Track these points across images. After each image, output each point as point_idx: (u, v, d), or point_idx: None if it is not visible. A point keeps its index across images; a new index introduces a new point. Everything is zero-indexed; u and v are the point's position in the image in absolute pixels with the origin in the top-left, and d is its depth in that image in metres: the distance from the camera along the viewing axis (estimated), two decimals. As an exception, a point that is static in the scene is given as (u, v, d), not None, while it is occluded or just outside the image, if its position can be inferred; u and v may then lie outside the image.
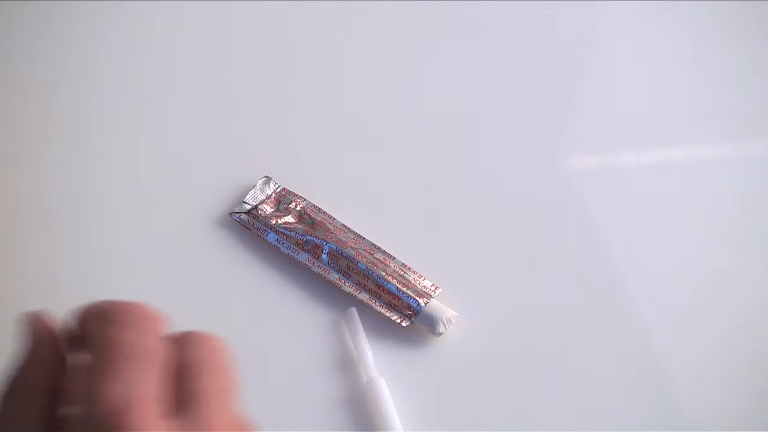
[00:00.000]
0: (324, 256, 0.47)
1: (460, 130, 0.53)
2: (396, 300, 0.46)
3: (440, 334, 0.46)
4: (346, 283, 0.47)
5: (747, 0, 0.57)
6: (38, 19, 0.57)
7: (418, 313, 0.46)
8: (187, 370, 0.33)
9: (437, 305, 0.46)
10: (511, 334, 0.46)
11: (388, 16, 0.57)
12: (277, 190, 0.50)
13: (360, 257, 0.47)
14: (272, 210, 0.49)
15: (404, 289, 0.46)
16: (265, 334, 0.46)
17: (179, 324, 0.46)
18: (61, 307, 0.45)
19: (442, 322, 0.46)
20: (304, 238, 0.48)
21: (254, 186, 0.50)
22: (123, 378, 0.31)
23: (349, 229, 0.49)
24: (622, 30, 0.58)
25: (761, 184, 0.51)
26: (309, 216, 0.49)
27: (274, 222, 0.49)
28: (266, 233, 0.48)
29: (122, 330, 0.33)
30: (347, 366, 0.44)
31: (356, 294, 0.47)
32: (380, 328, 0.46)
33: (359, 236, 0.49)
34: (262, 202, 0.49)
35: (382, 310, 0.46)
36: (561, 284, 0.48)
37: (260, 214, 0.49)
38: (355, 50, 0.56)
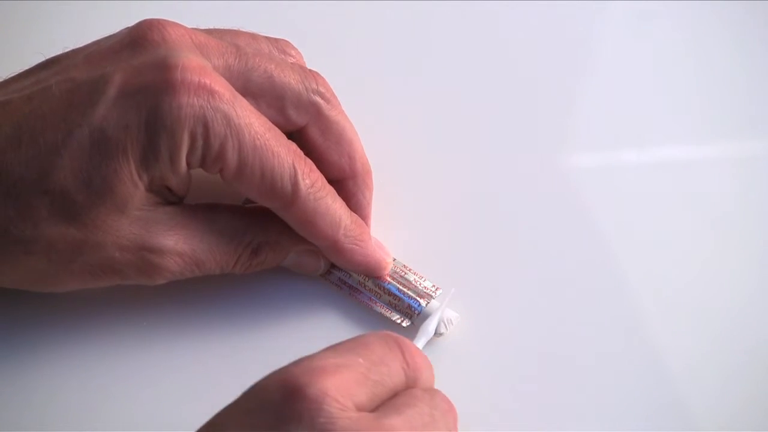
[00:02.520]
0: (324, 257, 0.47)
1: (460, 129, 0.53)
2: (396, 300, 0.46)
3: (441, 334, 0.46)
4: (346, 284, 0.47)
5: (747, 0, 0.57)
6: (33, 18, 0.57)
7: (419, 314, 0.46)
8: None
9: (438, 306, 0.46)
10: (511, 334, 0.46)
11: (386, 15, 0.57)
12: None
13: (360, 257, 0.47)
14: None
15: (405, 290, 0.46)
16: (265, 335, 0.46)
17: (179, 327, 0.46)
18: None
19: (443, 322, 0.46)
20: (305, 239, 0.48)
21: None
22: (336, 362, 0.36)
23: (349, 229, 0.49)
24: (623, 29, 0.58)
25: (761, 182, 0.51)
26: (309, 216, 0.49)
27: (274, 223, 0.49)
28: (266, 234, 0.48)
29: (376, 340, 0.38)
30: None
31: (356, 294, 0.47)
32: (380, 328, 0.46)
33: (360, 237, 0.49)
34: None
35: (383, 311, 0.46)
36: (561, 283, 0.48)
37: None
38: (353, 48, 0.56)
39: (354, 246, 0.45)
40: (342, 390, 0.35)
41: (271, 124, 0.42)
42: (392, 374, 0.37)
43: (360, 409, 0.36)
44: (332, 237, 0.44)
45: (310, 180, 0.43)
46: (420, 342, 0.44)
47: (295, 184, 0.42)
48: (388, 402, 0.37)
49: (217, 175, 0.42)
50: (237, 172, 0.42)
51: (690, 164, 0.52)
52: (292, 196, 0.42)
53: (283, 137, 0.43)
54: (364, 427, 0.35)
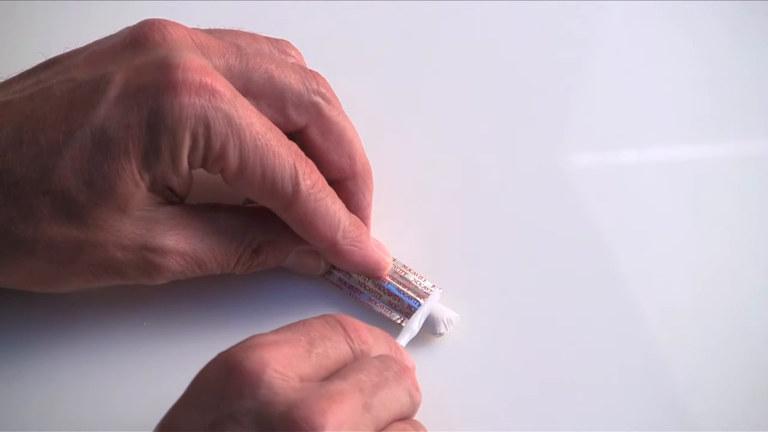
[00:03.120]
0: (324, 257, 0.47)
1: (460, 129, 0.53)
2: (396, 300, 0.46)
3: (441, 334, 0.46)
4: (346, 284, 0.47)
5: (747, 0, 0.57)
6: (33, 18, 0.57)
7: (419, 314, 0.46)
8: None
9: (437, 306, 0.46)
10: (511, 334, 0.46)
11: (386, 16, 0.58)
12: None
13: (360, 258, 0.47)
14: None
15: (405, 290, 0.46)
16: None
17: (179, 327, 0.46)
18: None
19: (443, 322, 0.46)
20: (305, 239, 0.48)
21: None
22: (281, 338, 0.36)
23: (349, 230, 0.49)
24: (623, 29, 0.58)
25: (762, 182, 0.51)
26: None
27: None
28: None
29: (315, 320, 0.38)
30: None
31: (356, 294, 0.47)
32: (380, 328, 0.46)
33: (359, 237, 0.49)
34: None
35: (382, 311, 0.46)
36: (561, 283, 0.48)
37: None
38: (353, 49, 0.56)
39: (352, 247, 0.45)
40: (283, 362, 0.36)
41: (272, 124, 0.42)
42: (336, 347, 0.38)
43: (305, 380, 0.36)
44: (331, 238, 0.44)
45: (311, 181, 0.43)
46: (403, 339, 0.45)
47: (296, 184, 0.42)
48: (335, 372, 0.37)
49: (218, 175, 0.42)
50: (238, 172, 0.42)
51: (690, 164, 0.52)
52: (292, 197, 0.42)
53: (284, 137, 0.43)
54: (308, 396, 0.35)
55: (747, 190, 0.51)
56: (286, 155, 0.42)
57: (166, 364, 0.45)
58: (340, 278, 0.47)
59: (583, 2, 0.58)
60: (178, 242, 0.42)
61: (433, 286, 0.47)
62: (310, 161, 0.43)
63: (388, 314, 0.46)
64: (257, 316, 0.46)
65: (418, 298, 0.46)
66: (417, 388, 0.39)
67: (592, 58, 0.57)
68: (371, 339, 0.39)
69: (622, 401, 0.45)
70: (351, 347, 0.39)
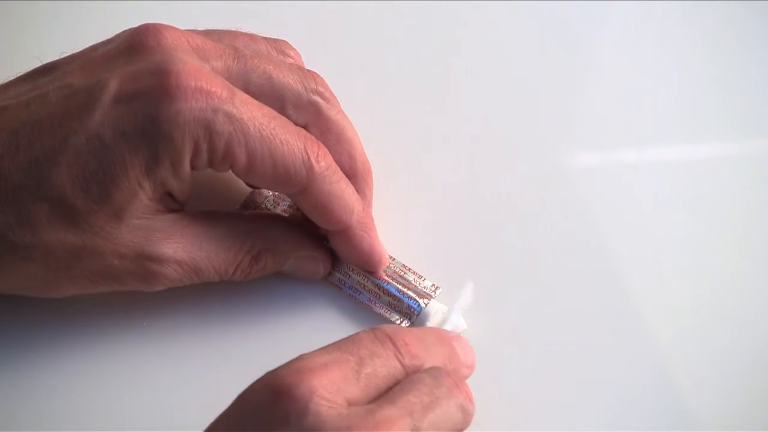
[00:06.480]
0: (323, 258, 0.47)
1: (460, 129, 0.53)
2: (396, 301, 0.46)
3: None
4: (346, 285, 0.47)
5: (748, 0, 0.58)
6: (28, 21, 0.57)
7: (418, 315, 0.46)
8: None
9: (438, 306, 0.46)
10: (511, 334, 0.46)
11: (385, 15, 0.58)
12: (275, 192, 0.50)
13: (359, 258, 0.47)
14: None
15: (404, 290, 0.46)
16: (266, 335, 0.46)
17: (179, 326, 0.46)
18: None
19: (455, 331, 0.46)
20: (304, 240, 0.48)
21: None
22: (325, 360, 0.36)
23: (348, 230, 0.49)
24: (624, 29, 0.58)
25: (762, 182, 0.51)
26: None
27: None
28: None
29: (365, 335, 0.38)
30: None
31: (356, 295, 0.47)
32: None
33: (359, 237, 0.49)
34: (262, 202, 0.49)
35: (382, 311, 0.46)
36: (561, 284, 0.48)
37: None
38: (351, 48, 0.56)
39: (363, 233, 0.45)
40: (330, 387, 0.35)
41: (275, 112, 0.42)
42: (386, 364, 0.37)
43: (353, 403, 0.36)
44: (346, 221, 0.44)
45: (325, 163, 0.43)
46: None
47: (309, 168, 0.42)
48: (385, 392, 0.37)
49: (216, 179, 0.42)
50: (248, 166, 0.41)
51: (690, 164, 0.52)
52: (307, 180, 0.42)
53: (290, 123, 0.42)
54: (355, 424, 0.34)
55: (748, 190, 0.51)
56: (294, 141, 0.42)
57: (166, 364, 0.45)
58: (339, 279, 0.47)
59: (583, 2, 0.58)
60: (176, 251, 0.42)
61: (433, 285, 0.47)
62: (322, 144, 0.43)
63: (387, 315, 0.46)
64: (257, 316, 0.46)
65: (417, 299, 0.46)
66: (471, 400, 0.38)
67: (593, 57, 0.57)
68: (423, 351, 0.39)
69: (624, 401, 0.45)
70: (401, 363, 0.38)
